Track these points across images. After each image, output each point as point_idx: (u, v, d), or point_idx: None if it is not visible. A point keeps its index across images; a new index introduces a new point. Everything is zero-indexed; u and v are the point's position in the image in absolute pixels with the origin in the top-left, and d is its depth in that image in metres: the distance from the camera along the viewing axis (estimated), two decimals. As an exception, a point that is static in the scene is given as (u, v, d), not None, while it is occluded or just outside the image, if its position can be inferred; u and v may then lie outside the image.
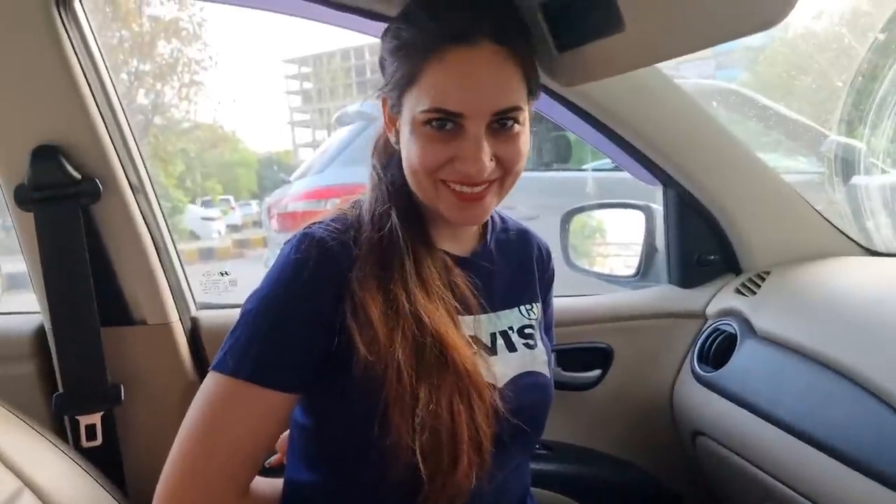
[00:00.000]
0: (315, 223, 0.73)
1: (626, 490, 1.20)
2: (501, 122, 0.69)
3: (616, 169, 3.05)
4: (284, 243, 0.72)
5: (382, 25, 0.76)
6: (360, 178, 0.81)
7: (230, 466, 0.69)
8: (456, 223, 0.74)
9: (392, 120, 0.75)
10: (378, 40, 0.78)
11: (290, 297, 0.69)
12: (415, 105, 0.69)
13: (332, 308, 0.69)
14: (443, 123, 0.68)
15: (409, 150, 0.71)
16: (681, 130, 1.12)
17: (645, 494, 1.21)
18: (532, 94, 0.72)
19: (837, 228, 1.20)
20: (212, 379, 0.69)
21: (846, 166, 1.71)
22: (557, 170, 3.35)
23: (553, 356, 1.16)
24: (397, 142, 0.75)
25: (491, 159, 0.69)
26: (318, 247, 0.69)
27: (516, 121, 0.70)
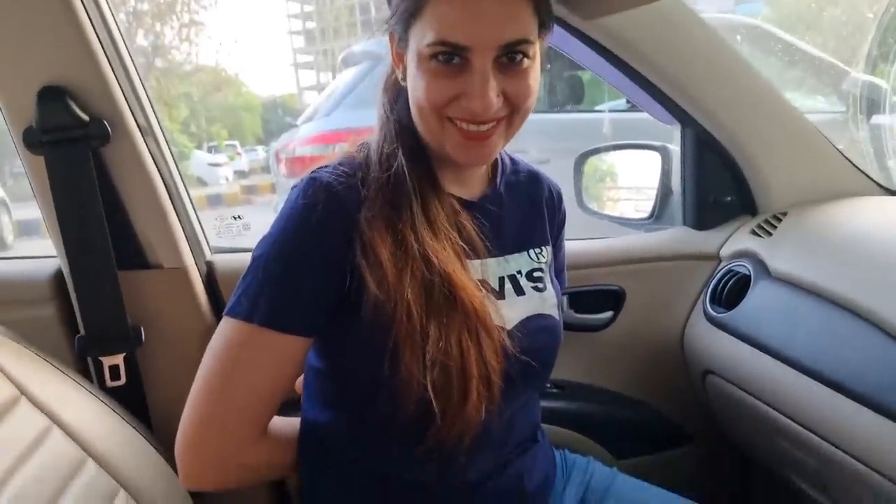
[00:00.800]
0: (322, 167, 0.72)
1: (637, 427, 1.23)
2: (510, 57, 0.66)
3: (631, 110, 2.98)
4: (291, 188, 0.72)
5: None
6: (369, 120, 0.79)
7: (248, 409, 0.70)
8: (462, 163, 0.72)
9: (399, 55, 0.72)
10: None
11: (300, 243, 0.68)
12: (420, 38, 0.66)
13: (342, 252, 0.69)
14: (449, 58, 0.65)
15: (415, 86, 0.68)
16: (702, 66, 1.07)
17: (655, 431, 1.24)
18: (544, 27, 0.69)
19: (858, 168, 1.17)
20: (226, 324, 0.70)
21: (869, 105, 1.66)
22: (570, 111, 3.27)
23: (565, 298, 1.18)
24: (404, 78, 0.72)
25: (498, 95, 0.67)
26: (325, 191, 0.69)
27: (525, 55, 0.67)
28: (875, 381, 0.76)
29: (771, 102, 1.12)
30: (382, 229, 0.68)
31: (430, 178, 0.74)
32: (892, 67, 1.51)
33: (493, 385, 0.69)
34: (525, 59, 0.67)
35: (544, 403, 1.04)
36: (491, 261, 0.76)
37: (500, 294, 0.76)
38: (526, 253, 0.81)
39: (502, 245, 0.78)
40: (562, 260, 0.95)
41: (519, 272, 0.79)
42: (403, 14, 0.68)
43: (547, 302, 0.81)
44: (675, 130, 1.21)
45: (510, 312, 0.75)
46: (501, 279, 0.77)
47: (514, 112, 0.69)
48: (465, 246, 0.72)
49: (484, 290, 0.73)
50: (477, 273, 0.74)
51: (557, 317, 0.82)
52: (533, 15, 0.67)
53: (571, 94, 3.26)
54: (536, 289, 0.80)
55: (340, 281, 0.69)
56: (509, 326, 0.74)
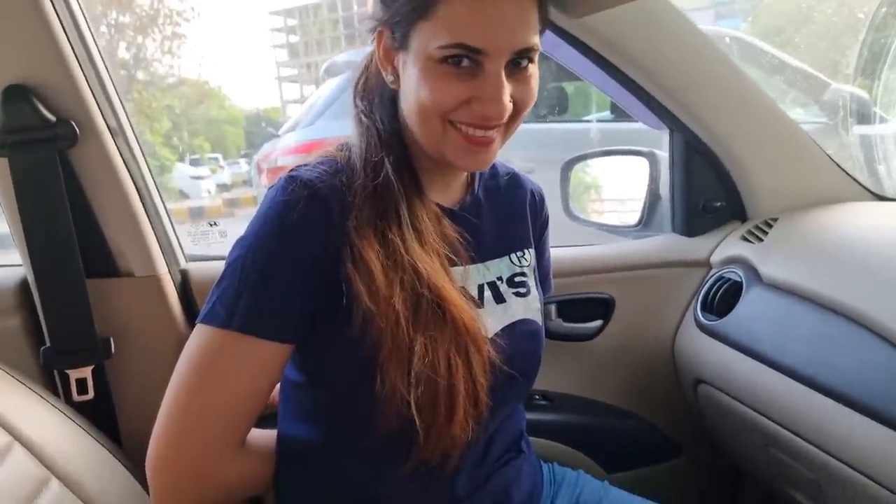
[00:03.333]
0: (301, 166, 0.69)
1: (628, 439, 1.20)
2: (516, 62, 0.65)
3: (615, 120, 2.99)
4: (268, 188, 0.69)
5: None
6: (351, 130, 0.76)
7: (224, 421, 0.66)
8: (461, 167, 0.71)
9: (389, 56, 0.69)
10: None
11: (279, 241, 0.65)
12: (428, 40, 0.63)
13: (324, 253, 0.65)
14: (459, 60, 0.63)
15: (419, 89, 0.65)
16: (692, 69, 1.06)
17: (646, 444, 1.21)
18: (541, 33, 0.69)
19: (848, 173, 1.16)
20: (200, 332, 0.66)
21: (853, 114, 1.68)
22: (553, 122, 3.28)
23: (553, 307, 1.15)
24: (394, 81, 0.70)
25: (511, 101, 0.65)
26: (305, 188, 0.65)
27: (531, 60, 0.67)
28: (871, 387, 0.74)
29: (761, 107, 1.11)
30: (372, 238, 0.66)
31: (416, 187, 0.72)
32: (878, 81, 1.53)
33: (479, 403, 0.67)
34: (530, 65, 0.67)
35: (533, 416, 1.01)
36: (471, 268, 0.74)
37: (479, 302, 0.74)
38: (507, 257, 0.80)
39: (482, 251, 0.77)
40: (546, 265, 0.93)
41: (499, 278, 0.78)
42: (409, 13, 0.64)
43: (531, 306, 0.79)
44: (662, 137, 1.20)
45: (489, 321, 0.73)
46: (481, 287, 0.75)
47: (515, 117, 0.69)
48: (449, 254, 0.71)
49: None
50: (458, 281, 0.72)
51: (539, 321, 0.80)
52: (538, 20, 0.66)
53: (556, 105, 3.27)
54: (518, 294, 0.78)
55: (322, 285, 0.66)
56: (489, 335, 0.72)
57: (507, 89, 0.64)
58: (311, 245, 0.65)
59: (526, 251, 0.82)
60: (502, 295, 0.77)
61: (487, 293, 0.76)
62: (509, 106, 0.65)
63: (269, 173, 3.33)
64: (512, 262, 0.80)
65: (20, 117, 0.89)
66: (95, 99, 0.94)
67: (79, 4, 0.95)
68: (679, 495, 1.23)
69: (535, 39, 0.65)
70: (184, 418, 0.65)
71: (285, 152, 3.20)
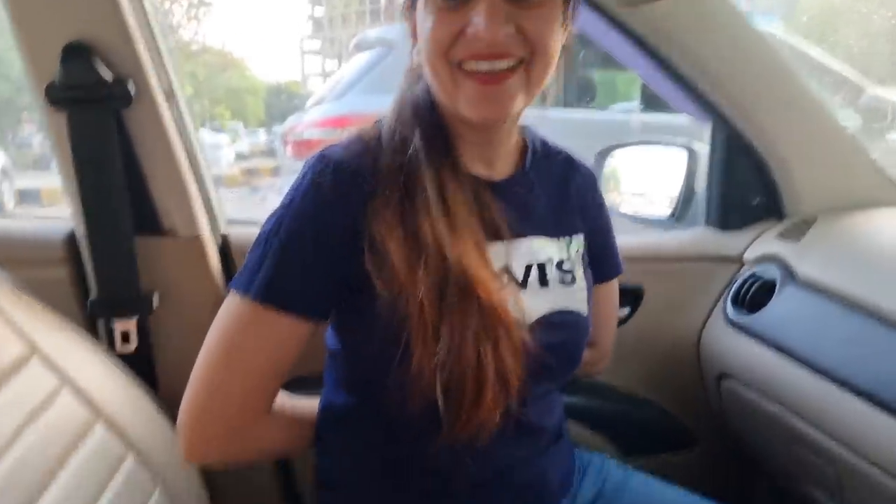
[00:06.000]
0: (333, 145, 0.70)
1: (643, 424, 1.21)
2: None
3: (646, 110, 2.97)
4: (303, 164, 0.70)
5: None
6: (380, 106, 0.77)
7: (247, 386, 0.69)
8: (477, 118, 0.66)
9: (412, 23, 0.70)
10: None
11: (304, 220, 0.67)
12: None
13: (350, 233, 0.67)
14: None
15: (423, 35, 0.66)
16: (741, 62, 1.05)
17: (662, 432, 1.22)
18: None
19: (891, 179, 1.15)
20: (230, 298, 0.68)
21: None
22: (583, 108, 3.26)
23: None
24: (420, 51, 0.69)
25: (514, 30, 0.62)
26: (334, 169, 0.67)
27: None
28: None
29: (808, 105, 1.10)
30: (392, 221, 0.66)
31: (449, 159, 0.70)
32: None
33: (510, 386, 0.66)
34: None
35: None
36: (518, 243, 0.73)
37: (523, 283, 0.73)
38: (555, 241, 0.77)
39: (530, 227, 0.74)
40: (613, 244, 0.90)
41: (550, 260, 0.75)
42: None
43: (574, 296, 0.77)
44: (704, 131, 1.19)
45: (531, 304, 0.72)
46: (528, 267, 0.74)
47: (532, 54, 0.64)
48: (488, 228, 0.69)
49: (505, 278, 0.70)
50: (500, 258, 0.71)
51: (585, 311, 0.78)
52: None
53: (583, 94, 3.25)
54: (563, 281, 0.76)
55: (346, 264, 0.67)
56: (529, 320, 0.70)
57: (502, 11, 0.61)
58: (337, 226, 0.67)
59: (574, 238, 0.80)
60: (548, 280, 0.75)
61: (534, 274, 0.74)
62: (503, 28, 0.61)
63: (295, 145, 3.34)
64: (560, 247, 0.78)
65: (79, 75, 0.90)
66: (151, 60, 0.96)
67: None
68: (691, 485, 1.25)
69: None
70: (210, 380, 0.68)
71: (312, 125, 3.20)
